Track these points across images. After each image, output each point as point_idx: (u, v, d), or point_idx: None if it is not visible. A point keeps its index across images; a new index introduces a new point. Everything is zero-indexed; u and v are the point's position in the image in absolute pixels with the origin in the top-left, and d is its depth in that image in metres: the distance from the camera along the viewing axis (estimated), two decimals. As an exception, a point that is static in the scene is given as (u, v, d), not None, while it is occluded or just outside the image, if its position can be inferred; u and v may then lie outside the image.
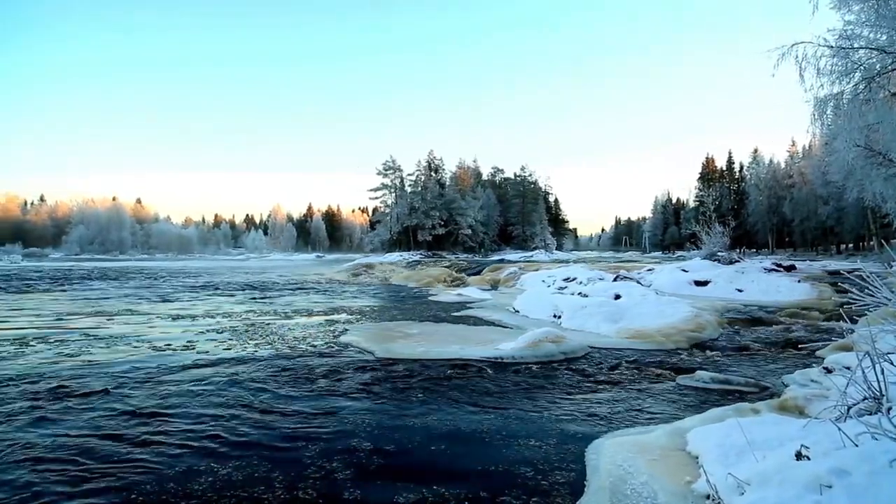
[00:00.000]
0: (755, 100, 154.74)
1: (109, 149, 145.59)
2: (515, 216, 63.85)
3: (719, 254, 16.93)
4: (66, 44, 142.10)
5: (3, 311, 11.21)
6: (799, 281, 13.39)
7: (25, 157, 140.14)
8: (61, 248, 79.58)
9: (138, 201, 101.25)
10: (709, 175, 63.72)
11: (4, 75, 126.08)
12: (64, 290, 16.87)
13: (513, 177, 66.35)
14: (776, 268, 15.55)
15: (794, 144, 54.34)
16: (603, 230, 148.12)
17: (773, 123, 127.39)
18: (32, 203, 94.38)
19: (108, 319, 9.70)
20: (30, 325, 8.96)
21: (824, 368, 4.62)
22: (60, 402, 4.30)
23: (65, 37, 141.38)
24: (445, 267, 27.22)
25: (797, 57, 8.78)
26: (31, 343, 7.02)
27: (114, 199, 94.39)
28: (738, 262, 16.13)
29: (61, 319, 9.68)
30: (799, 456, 2.37)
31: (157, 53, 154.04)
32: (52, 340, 7.24)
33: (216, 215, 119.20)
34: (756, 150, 58.95)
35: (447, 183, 59.80)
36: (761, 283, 13.23)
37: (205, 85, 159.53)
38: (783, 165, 54.22)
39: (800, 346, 6.48)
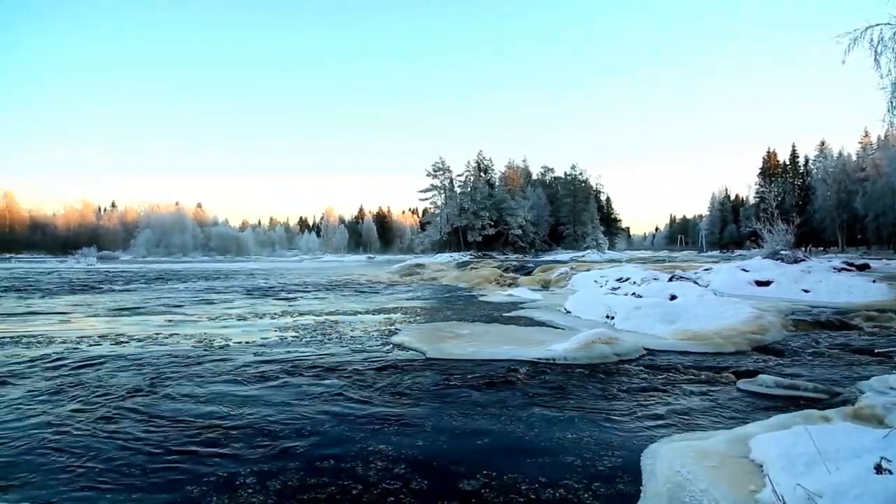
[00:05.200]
0: (820, 91, 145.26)
1: (170, 153, 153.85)
2: (566, 216, 62.92)
3: (783, 252, 16.05)
4: (114, 45, 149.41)
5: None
6: (874, 281, 12.47)
7: (94, 160, 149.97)
8: (129, 251, 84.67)
9: (199, 205, 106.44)
10: (770, 170, 60.72)
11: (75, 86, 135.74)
12: (130, 292, 18.01)
13: (563, 176, 65.47)
14: (847, 267, 14.58)
15: (867, 135, 51.04)
16: (657, 229, 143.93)
17: (842, 114, 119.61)
18: (105, 209, 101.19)
19: (177, 320, 10.26)
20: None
21: (905, 375, 4.30)
22: (148, 388, 4.60)
23: (110, 36, 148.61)
24: (495, 267, 27.11)
25: (871, 41, 8.15)
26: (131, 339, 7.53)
27: (176, 204, 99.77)
28: (803, 260, 15.23)
29: (140, 314, 10.36)
30: (879, 469, 2.21)
31: (210, 57, 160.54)
32: (142, 338, 7.74)
33: (272, 218, 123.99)
34: (823, 143, 55.64)
35: (496, 183, 59.73)
36: (830, 283, 12.41)
37: (257, 89, 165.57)
38: (854, 158, 50.92)
39: (876, 351, 6.07)
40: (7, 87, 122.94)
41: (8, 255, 70.55)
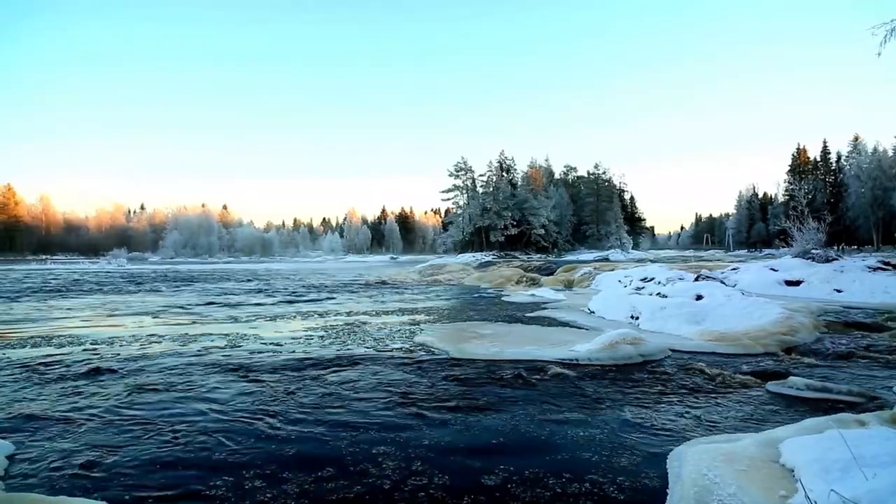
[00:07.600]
0: (853, 85, 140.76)
1: (197, 155, 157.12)
2: (589, 215, 62.37)
3: (814, 251, 15.63)
4: (136, 44, 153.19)
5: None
6: (911, 281, 12.07)
7: (120, 161, 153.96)
8: (158, 253, 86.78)
9: (224, 207, 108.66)
10: (800, 167, 59.06)
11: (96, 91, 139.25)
12: (161, 293, 18.46)
13: (586, 175, 64.94)
14: (883, 266, 14.09)
15: (903, 129, 49.10)
16: (682, 228, 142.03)
17: (877, 109, 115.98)
18: (134, 211, 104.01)
19: (205, 320, 10.49)
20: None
21: (945, 378, 4.15)
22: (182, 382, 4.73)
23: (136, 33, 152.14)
24: (518, 267, 26.96)
25: (910, 31, 7.89)
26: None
27: (203, 206, 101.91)
28: (835, 259, 14.80)
29: (156, 317, 10.64)
30: (918, 475, 2.15)
31: (232, 58, 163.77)
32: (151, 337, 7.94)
33: (295, 219, 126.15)
34: (857, 138, 53.82)
35: (519, 183, 59.53)
36: (865, 282, 12.04)
37: (281, 91, 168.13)
38: (890, 153, 49.14)
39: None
40: (24, 88, 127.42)
41: (44, 257, 72.98)
